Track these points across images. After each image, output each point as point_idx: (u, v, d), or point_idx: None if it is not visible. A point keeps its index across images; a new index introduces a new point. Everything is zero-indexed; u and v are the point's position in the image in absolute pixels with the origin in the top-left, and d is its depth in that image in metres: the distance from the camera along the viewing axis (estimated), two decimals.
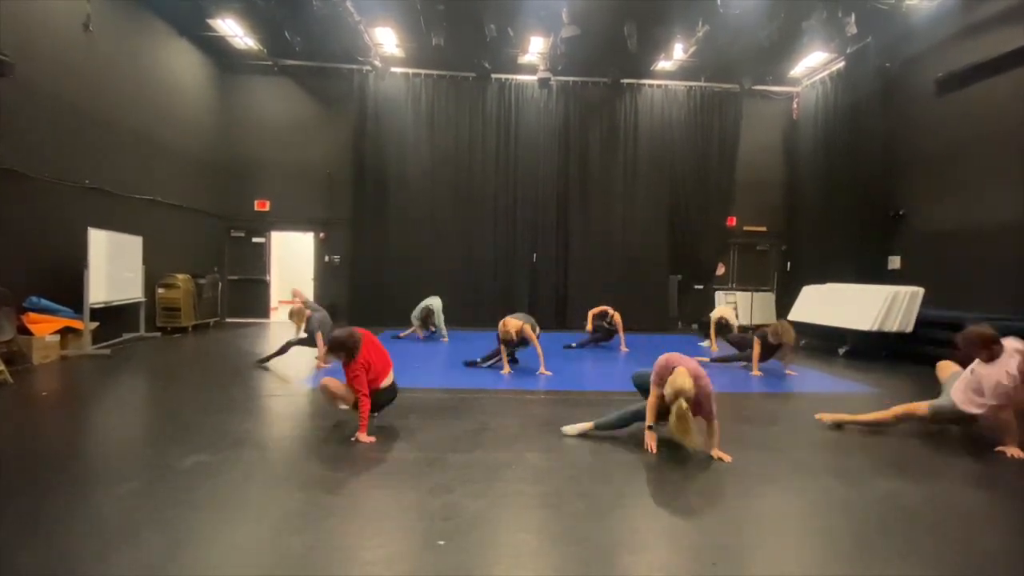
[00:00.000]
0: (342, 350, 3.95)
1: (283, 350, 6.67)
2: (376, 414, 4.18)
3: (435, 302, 9.31)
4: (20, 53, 6.23)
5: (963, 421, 4.15)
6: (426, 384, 5.79)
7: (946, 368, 4.58)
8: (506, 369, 6.46)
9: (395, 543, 2.52)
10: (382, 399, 4.14)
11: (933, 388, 6.32)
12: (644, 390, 3.97)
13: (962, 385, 4.08)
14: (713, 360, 7.40)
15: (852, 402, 5.52)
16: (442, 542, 2.46)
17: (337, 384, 4.01)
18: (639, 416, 3.94)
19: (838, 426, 4.45)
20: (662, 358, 3.77)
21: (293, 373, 6.27)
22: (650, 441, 3.74)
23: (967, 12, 8.40)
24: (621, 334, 8.73)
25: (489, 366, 6.75)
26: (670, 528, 2.75)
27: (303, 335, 6.71)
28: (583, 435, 4.04)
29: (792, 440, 4.16)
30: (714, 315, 8.91)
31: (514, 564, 2.35)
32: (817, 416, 4.56)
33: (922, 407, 4.26)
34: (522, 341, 6.44)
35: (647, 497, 3.07)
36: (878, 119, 10.02)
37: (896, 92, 9.85)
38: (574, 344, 8.68)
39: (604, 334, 8.78)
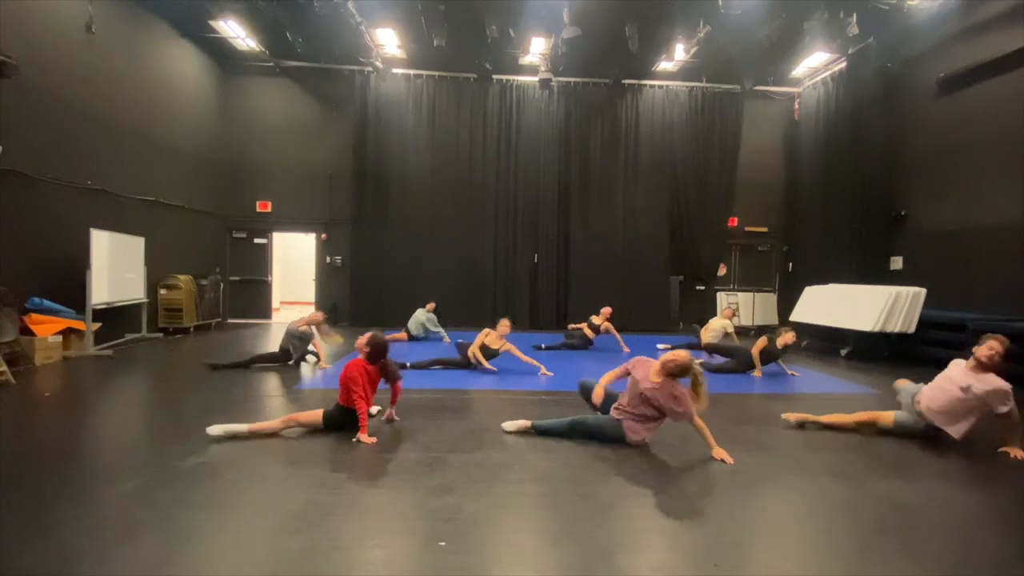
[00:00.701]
0: (378, 347, 4.05)
1: (246, 364, 6.52)
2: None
3: (417, 313, 9.42)
4: (23, 55, 6.25)
5: (922, 436, 4.14)
6: (427, 385, 5.79)
7: (903, 383, 4.62)
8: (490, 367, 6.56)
9: (395, 544, 2.52)
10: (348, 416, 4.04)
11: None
12: (587, 397, 4.25)
13: (945, 400, 4.02)
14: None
15: (853, 403, 5.51)
16: (443, 543, 2.46)
17: (306, 415, 4.06)
18: (576, 428, 4.02)
19: (800, 425, 4.46)
20: (634, 359, 4.05)
21: (294, 374, 6.28)
22: (599, 393, 4.11)
23: (968, 13, 8.40)
24: (617, 335, 8.70)
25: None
26: (671, 528, 2.75)
27: (277, 351, 6.67)
28: (523, 432, 4.13)
29: (792, 440, 4.15)
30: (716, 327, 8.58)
31: (515, 565, 2.35)
32: (783, 416, 4.55)
33: (887, 417, 4.27)
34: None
35: (647, 497, 3.07)
36: (879, 119, 10.02)
37: (898, 93, 9.84)
38: (543, 345, 8.66)
39: (579, 340, 8.77)
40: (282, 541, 2.45)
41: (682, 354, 3.75)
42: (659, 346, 9.04)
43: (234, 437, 3.85)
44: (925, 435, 4.13)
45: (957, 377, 4.02)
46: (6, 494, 2.88)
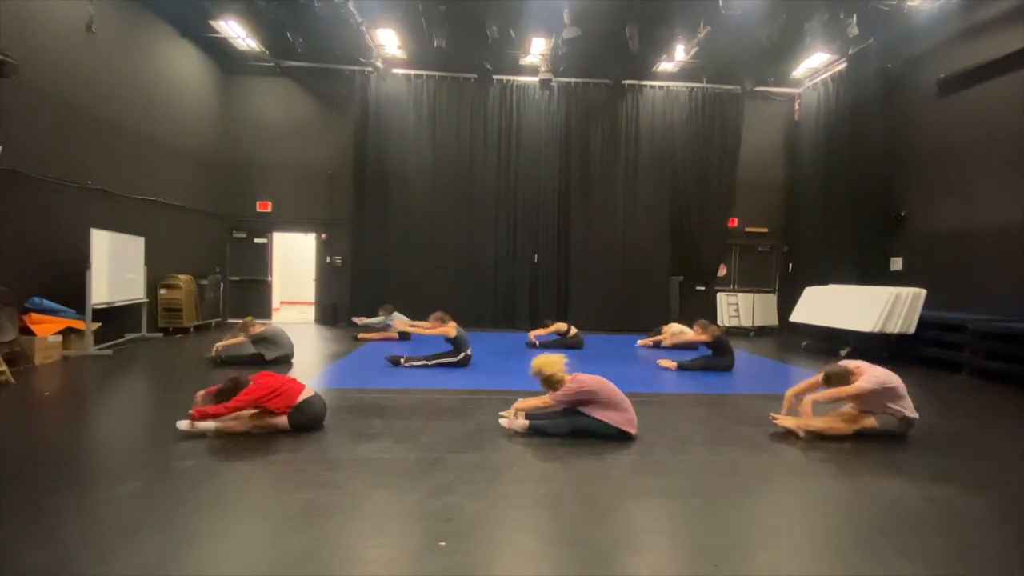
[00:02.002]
0: (227, 391, 3.93)
1: (246, 359, 6.58)
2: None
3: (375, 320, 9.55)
4: (23, 54, 6.24)
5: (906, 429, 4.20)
6: (426, 385, 5.79)
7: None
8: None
9: (396, 544, 2.52)
10: (310, 413, 4.05)
11: (935, 390, 6.33)
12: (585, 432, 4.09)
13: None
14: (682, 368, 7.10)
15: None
16: (443, 543, 2.46)
17: (273, 418, 3.98)
18: (576, 430, 4.04)
19: (794, 435, 4.13)
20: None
21: (294, 375, 6.28)
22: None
23: (968, 14, 8.39)
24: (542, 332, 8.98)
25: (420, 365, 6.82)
26: (670, 529, 2.75)
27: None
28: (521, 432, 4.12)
29: (791, 441, 4.14)
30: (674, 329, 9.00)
31: (514, 565, 2.35)
32: (772, 417, 4.32)
33: (869, 419, 4.19)
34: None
35: (647, 498, 3.07)
36: (879, 120, 10.01)
37: (898, 93, 9.84)
38: (538, 343, 8.81)
39: (574, 340, 8.89)
40: (283, 541, 2.45)
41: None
42: (638, 343, 9.33)
43: (225, 435, 3.84)
44: (907, 427, 4.19)
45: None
46: (6, 494, 2.88)
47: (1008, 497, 3.24)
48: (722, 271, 12.61)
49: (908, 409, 4.12)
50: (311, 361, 6.95)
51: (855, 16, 8.63)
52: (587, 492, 3.08)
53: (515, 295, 11.72)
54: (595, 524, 2.70)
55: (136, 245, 8.23)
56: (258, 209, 11.82)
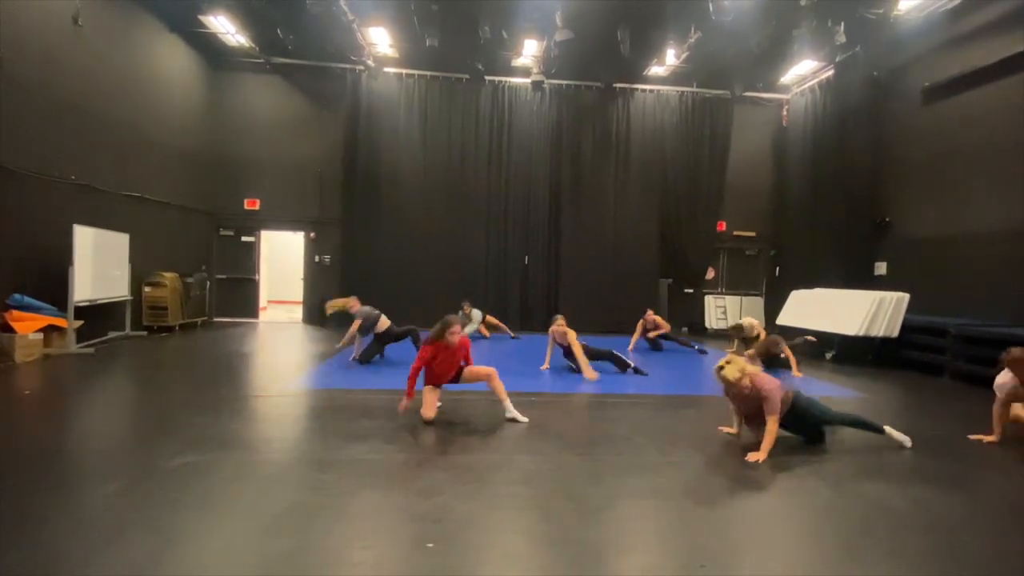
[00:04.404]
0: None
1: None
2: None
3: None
4: (8, 47, 6.15)
5: None
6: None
7: None
8: None
9: (384, 545, 2.51)
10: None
11: (917, 392, 6.43)
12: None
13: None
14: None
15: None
16: (431, 544, 2.45)
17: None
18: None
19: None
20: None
21: (289, 374, 6.23)
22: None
23: (954, 23, 8.55)
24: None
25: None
26: (659, 530, 2.77)
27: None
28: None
29: (780, 443, 4.18)
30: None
31: (503, 566, 2.35)
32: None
33: None
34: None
35: (636, 499, 3.08)
36: (866, 127, 10.15)
37: (884, 101, 9.99)
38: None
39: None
40: (270, 542, 2.43)
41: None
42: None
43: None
44: None
45: None
46: None
47: (989, 497, 3.30)
48: (710, 274, 12.71)
49: None
50: (298, 361, 6.89)
51: (842, 24, 8.74)
52: (577, 493, 3.09)
53: (505, 296, 11.71)
54: (585, 525, 2.71)
55: (120, 242, 8.10)
56: (246, 207, 11.69)
